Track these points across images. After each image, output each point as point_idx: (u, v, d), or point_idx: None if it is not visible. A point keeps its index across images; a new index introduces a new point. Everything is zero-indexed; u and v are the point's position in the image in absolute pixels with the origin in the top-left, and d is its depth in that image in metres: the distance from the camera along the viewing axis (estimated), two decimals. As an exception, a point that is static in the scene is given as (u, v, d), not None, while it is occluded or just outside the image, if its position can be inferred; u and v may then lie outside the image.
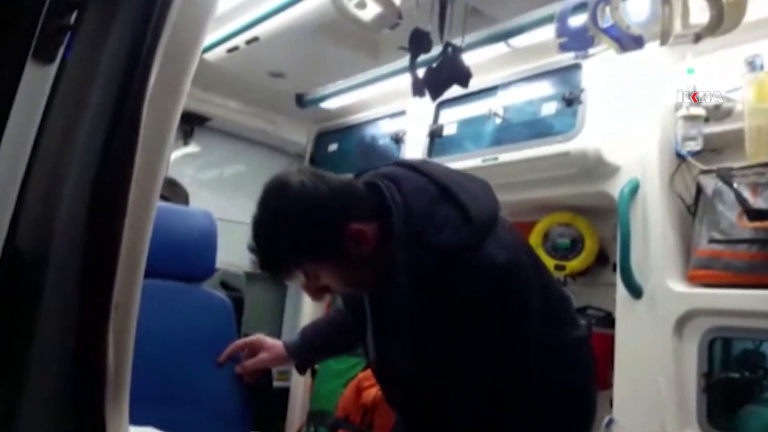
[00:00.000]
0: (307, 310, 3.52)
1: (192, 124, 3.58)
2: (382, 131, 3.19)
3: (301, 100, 3.15)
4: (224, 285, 3.04)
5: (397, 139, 3.04)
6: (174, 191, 3.16)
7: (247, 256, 3.61)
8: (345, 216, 1.23)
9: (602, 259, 2.56)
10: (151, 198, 0.76)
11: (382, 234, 1.24)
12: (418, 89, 2.11)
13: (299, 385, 3.49)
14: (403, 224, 1.22)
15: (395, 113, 3.12)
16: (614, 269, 2.49)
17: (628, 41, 1.86)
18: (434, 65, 2.09)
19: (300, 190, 1.24)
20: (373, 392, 2.96)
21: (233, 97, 3.37)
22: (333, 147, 3.44)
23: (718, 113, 2.16)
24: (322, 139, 3.53)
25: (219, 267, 2.70)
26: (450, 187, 1.27)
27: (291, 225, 1.24)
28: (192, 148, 3.65)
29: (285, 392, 3.55)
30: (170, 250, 2.05)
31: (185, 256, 2.15)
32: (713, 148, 2.20)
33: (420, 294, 1.21)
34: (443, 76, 2.09)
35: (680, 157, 2.24)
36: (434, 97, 2.12)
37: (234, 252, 3.46)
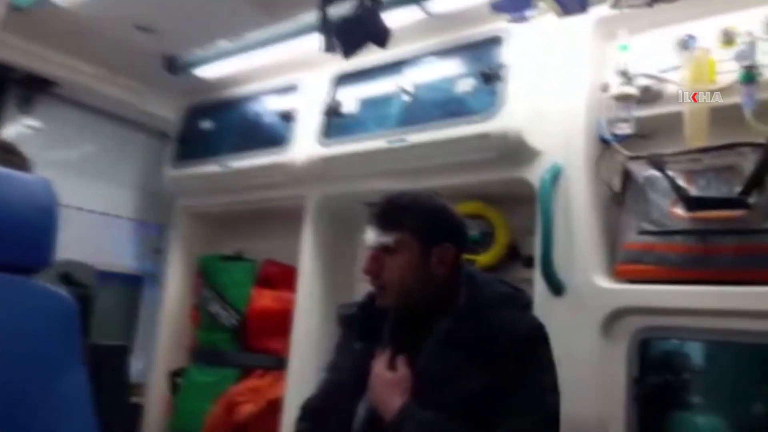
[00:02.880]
0: (166, 319, 3.04)
1: (33, 89, 2.97)
2: (268, 108, 2.82)
3: (171, 64, 2.68)
4: (67, 279, 2.49)
5: (287, 117, 2.67)
6: (10, 159, 2.54)
7: (99, 252, 3.07)
8: (449, 238, 1.51)
9: (512, 253, 2.34)
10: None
11: (454, 279, 1.51)
12: (329, 44, 1.78)
13: (155, 401, 3.00)
14: (472, 275, 1.54)
15: (285, 88, 2.77)
16: (526, 264, 2.31)
17: (572, 4, 1.66)
18: (350, 17, 1.77)
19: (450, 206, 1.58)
20: (248, 409, 2.56)
21: (87, 58, 2.81)
22: (207, 125, 3.01)
23: (648, 95, 2.01)
24: (194, 114, 3.08)
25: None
26: (504, 279, 1.65)
27: (430, 210, 1.53)
28: (32, 120, 3.03)
29: (138, 410, 3.02)
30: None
31: (12, 238, 1.64)
32: (640, 133, 2.04)
33: (468, 322, 1.44)
34: (359, 31, 1.78)
35: (605, 142, 2.08)
36: (347, 53, 1.80)
37: (82, 246, 2.92)
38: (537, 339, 1.46)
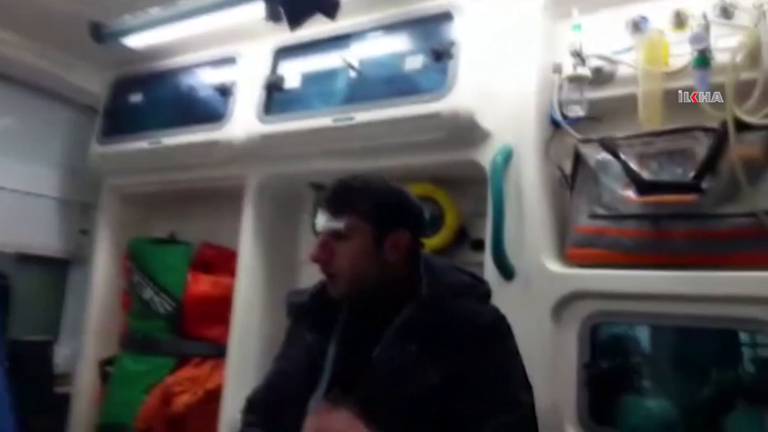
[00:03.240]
0: (95, 305, 2.85)
1: (-59, 56, 2.70)
2: (204, 81, 2.65)
3: (98, 32, 2.45)
4: (-19, 270, 2.30)
5: (224, 91, 2.52)
6: None
7: (18, 233, 2.86)
8: (405, 223, 1.42)
9: (461, 236, 2.29)
10: None
11: (409, 267, 1.44)
12: (273, 12, 1.65)
13: (85, 391, 2.82)
14: (429, 262, 1.47)
15: (222, 59, 2.61)
16: (474, 247, 2.27)
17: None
18: (295, -16, 1.65)
19: (406, 191, 1.48)
20: (185, 399, 2.44)
21: (6, 24, 2.56)
22: (137, 98, 2.81)
23: (599, 77, 1.99)
24: (122, 87, 2.87)
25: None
26: (461, 266, 1.55)
27: (384, 193, 1.43)
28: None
29: (65, 400, 2.85)
30: None
31: None
32: (592, 115, 2.01)
33: (428, 312, 1.37)
34: (306, 0, 1.66)
35: (555, 124, 2.04)
36: (293, 24, 1.69)
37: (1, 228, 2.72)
38: (499, 330, 1.40)
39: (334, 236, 1.39)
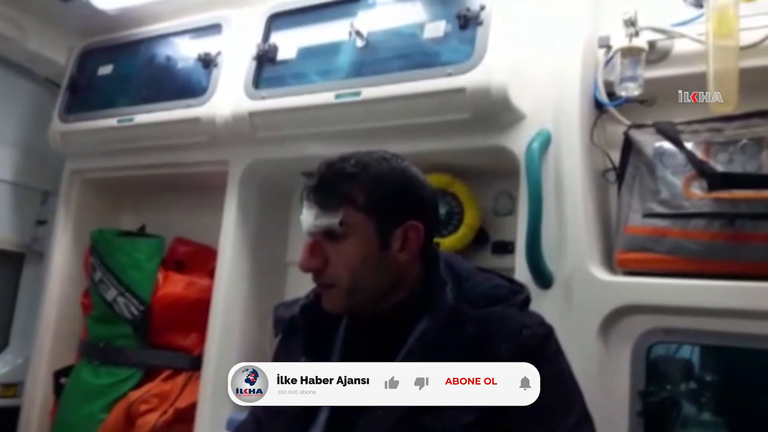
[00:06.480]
0: (50, 307, 2.50)
1: None
2: (183, 51, 2.33)
3: (62, -12, 2.13)
4: None
5: (207, 62, 2.19)
6: None
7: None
8: (416, 213, 1.15)
9: (480, 237, 1.98)
10: None
11: (422, 269, 1.19)
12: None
13: (35, 406, 2.46)
14: (450, 263, 1.20)
15: (206, 27, 2.28)
16: (495, 251, 1.98)
17: None
18: None
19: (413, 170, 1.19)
20: (152, 419, 2.12)
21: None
22: (106, 70, 2.48)
23: (652, 54, 1.71)
24: (90, 57, 2.54)
25: None
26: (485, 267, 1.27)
27: (387, 175, 1.14)
28: None
29: (12, 414, 2.50)
30: None
31: None
32: (640, 98, 1.73)
33: (453, 327, 1.10)
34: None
35: (599, 107, 1.76)
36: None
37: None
38: (552, 344, 1.13)
39: (326, 236, 1.12)
